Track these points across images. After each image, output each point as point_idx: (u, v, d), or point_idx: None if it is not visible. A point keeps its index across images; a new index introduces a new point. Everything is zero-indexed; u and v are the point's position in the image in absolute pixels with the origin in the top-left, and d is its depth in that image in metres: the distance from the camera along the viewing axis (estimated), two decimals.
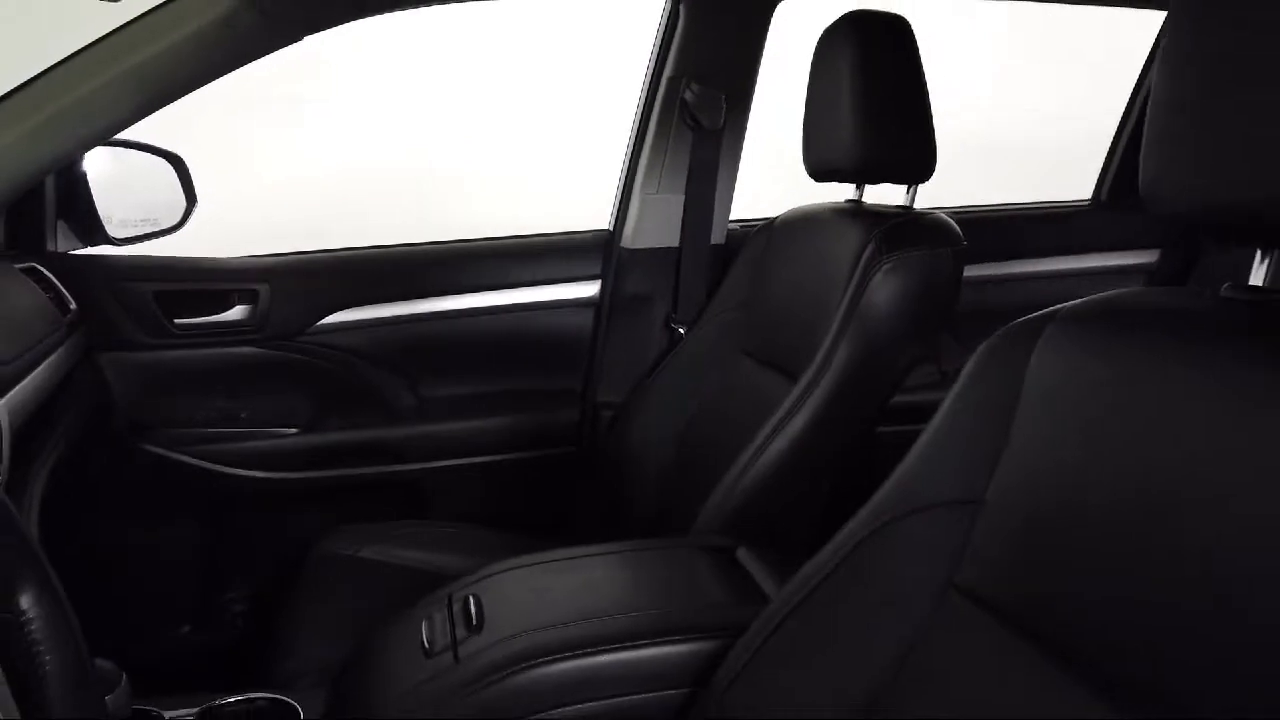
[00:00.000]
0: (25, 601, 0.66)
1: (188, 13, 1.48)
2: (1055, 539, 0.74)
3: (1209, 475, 0.64)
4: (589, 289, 1.92)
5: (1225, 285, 0.74)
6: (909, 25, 1.42)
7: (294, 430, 1.79)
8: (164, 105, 1.52)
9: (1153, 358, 0.71)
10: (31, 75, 1.49)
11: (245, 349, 1.77)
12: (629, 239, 1.89)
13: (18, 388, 1.25)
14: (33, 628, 0.66)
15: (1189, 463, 0.65)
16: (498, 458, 1.88)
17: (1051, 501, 0.75)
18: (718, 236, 1.90)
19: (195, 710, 1.08)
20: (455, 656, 1.04)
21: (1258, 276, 0.72)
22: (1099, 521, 0.71)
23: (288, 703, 1.09)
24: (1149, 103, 0.70)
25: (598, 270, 1.91)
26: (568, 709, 1.00)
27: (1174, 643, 0.63)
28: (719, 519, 1.36)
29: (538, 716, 1.00)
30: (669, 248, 1.88)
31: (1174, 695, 0.62)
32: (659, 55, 1.81)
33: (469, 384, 1.91)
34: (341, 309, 1.80)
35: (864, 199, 1.58)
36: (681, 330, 1.86)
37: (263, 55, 1.56)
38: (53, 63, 1.50)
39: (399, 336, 1.84)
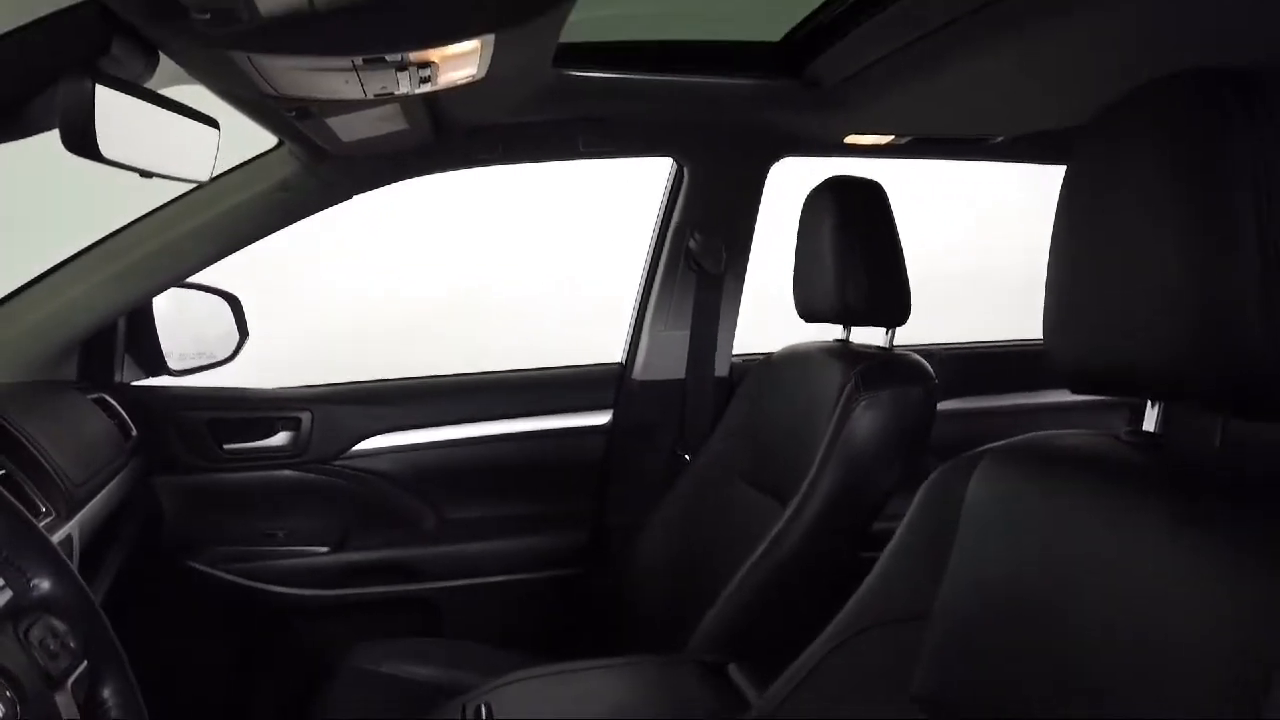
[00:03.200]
0: (108, 691, 0.79)
1: (253, 177, 1.72)
2: (992, 644, 0.86)
3: (1106, 593, 0.76)
4: (601, 418, 2.07)
5: (1126, 430, 0.88)
6: (882, 189, 1.61)
7: (325, 549, 1.93)
8: (230, 254, 1.74)
9: (1067, 492, 0.85)
10: (118, 227, 1.72)
11: (286, 472, 1.93)
12: (639, 371, 2.05)
13: (87, 508, 1.40)
14: (112, 716, 0.79)
15: (1092, 582, 0.78)
16: (511, 577, 2.00)
17: (987, 612, 0.87)
18: (721, 369, 2.06)
19: None
20: None
21: (1149, 423, 0.86)
22: (1026, 628, 0.83)
23: None
24: (1047, 262, 0.85)
25: (610, 400, 2.07)
26: None
27: None
28: (713, 635, 1.47)
29: None
30: (676, 380, 2.04)
31: None
32: (666, 208, 2.02)
33: (487, 507, 2.05)
34: (374, 435, 1.96)
35: (851, 338, 1.74)
36: (686, 457, 1.99)
37: (317, 212, 1.78)
38: (136, 217, 1.73)
39: (425, 461, 1.99)
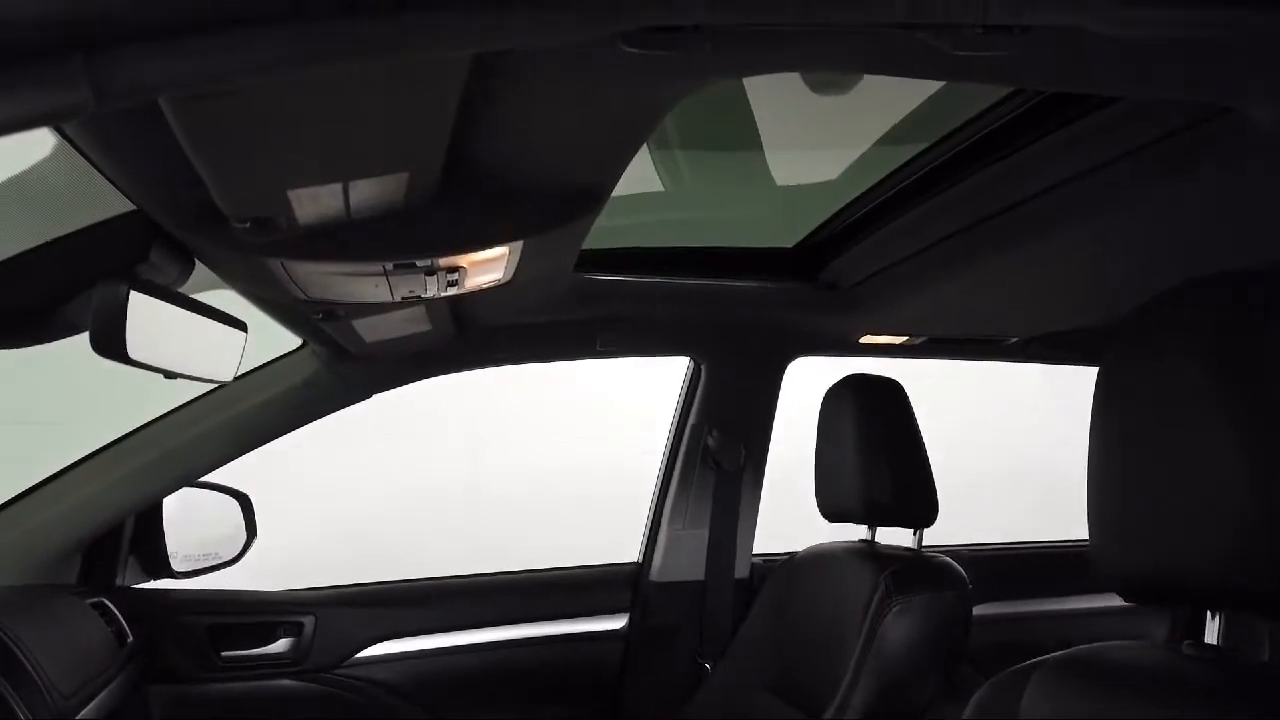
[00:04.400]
0: None
1: (275, 376, 1.74)
2: None
3: None
4: (618, 622, 1.98)
5: (1186, 643, 0.82)
6: (900, 386, 1.61)
7: None
8: (248, 452, 1.73)
9: (1124, 709, 0.78)
10: (133, 427, 1.72)
11: (284, 682, 1.82)
12: (656, 573, 1.98)
13: (81, 715, 1.32)
14: None
15: None
16: None
17: None
18: (741, 571, 1.99)
19: None
20: None
21: (1211, 635, 0.81)
22: None
23: None
24: (1087, 466, 0.83)
25: (626, 603, 1.99)
26: None
27: None
28: None
29: None
30: (695, 581, 1.97)
31: None
32: (683, 406, 2.02)
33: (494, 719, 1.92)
34: (380, 641, 1.87)
35: (876, 538, 1.69)
36: (708, 666, 1.89)
37: (337, 410, 1.78)
38: (153, 417, 1.73)
39: (431, 669, 1.89)
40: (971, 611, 1.48)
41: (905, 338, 1.95)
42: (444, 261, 1.05)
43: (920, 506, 1.56)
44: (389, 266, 1.03)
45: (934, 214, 1.33)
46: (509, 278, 1.23)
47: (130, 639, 1.67)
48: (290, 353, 1.74)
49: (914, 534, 1.60)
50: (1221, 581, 0.72)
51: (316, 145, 0.70)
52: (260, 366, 1.74)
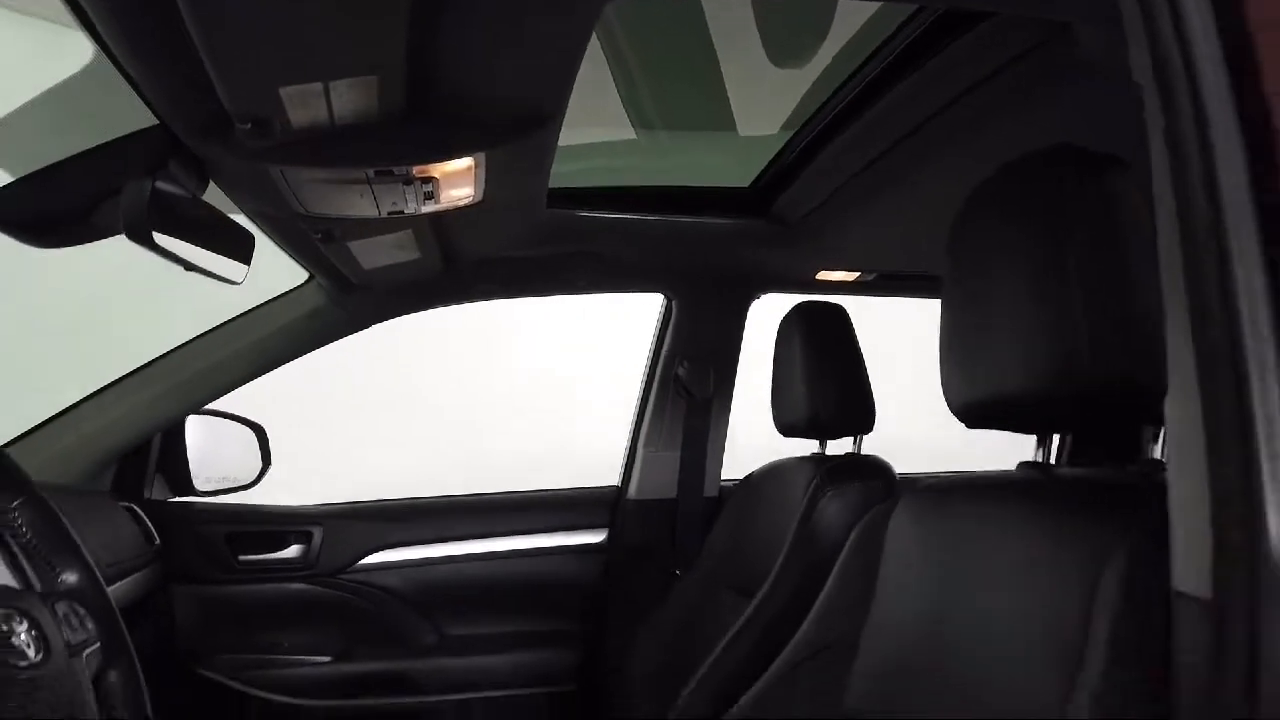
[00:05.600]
0: (114, 675, 0.90)
1: (285, 307, 1.94)
2: (902, 661, 0.95)
3: (981, 600, 0.87)
4: (598, 536, 2.17)
5: (1020, 463, 1.00)
6: (844, 311, 1.78)
7: (327, 659, 1.99)
8: (262, 375, 1.93)
9: (971, 520, 0.96)
10: (160, 353, 1.93)
11: (296, 585, 2.03)
12: (633, 491, 2.17)
13: (111, 588, 1.52)
14: (118, 696, 0.89)
15: (986, 605, 0.87)
16: (508, 693, 2.04)
17: (901, 630, 0.97)
18: (710, 490, 2.17)
19: None
20: None
21: (1037, 456, 0.98)
22: (928, 641, 0.92)
23: None
24: (939, 329, 1.00)
25: (606, 520, 2.18)
26: None
27: None
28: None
29: None
30: (669, 499, 2.15)
31: None
32: (658, 338, 2.21)
33: (486, 623, 2.12)
34: (380, 550, 2.07)
35: (826, 451, 1.86)
36: (678, 573, 2.07)
37: (341, 338, 1.99)
38: (176, 345, 1.94)
39: (427, 577, 2.09)
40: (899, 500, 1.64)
41: (857, 273, 2.13)
42: (418, 170, 1.23)
43: (859, 417, 1.73)
44: (370, 174, 1.22)
45: (859, 139, 1.50)
46: (480, 196, 1.42)
47: (157, 541, 1.88)
48: (297, 286, 1.93)
49: (854, 441, 1.77)
50: (1037, 408, 0.89)
51: (297, 41, 0.89)
52: (269, 300, 1.94)
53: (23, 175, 1.20)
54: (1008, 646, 0.81)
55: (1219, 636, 0.56)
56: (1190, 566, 0.60)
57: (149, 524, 1.89)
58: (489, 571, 2.12)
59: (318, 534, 2.05)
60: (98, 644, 0.89)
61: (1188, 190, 0.60)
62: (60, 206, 1.23)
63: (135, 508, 1.89)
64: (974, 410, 0.95)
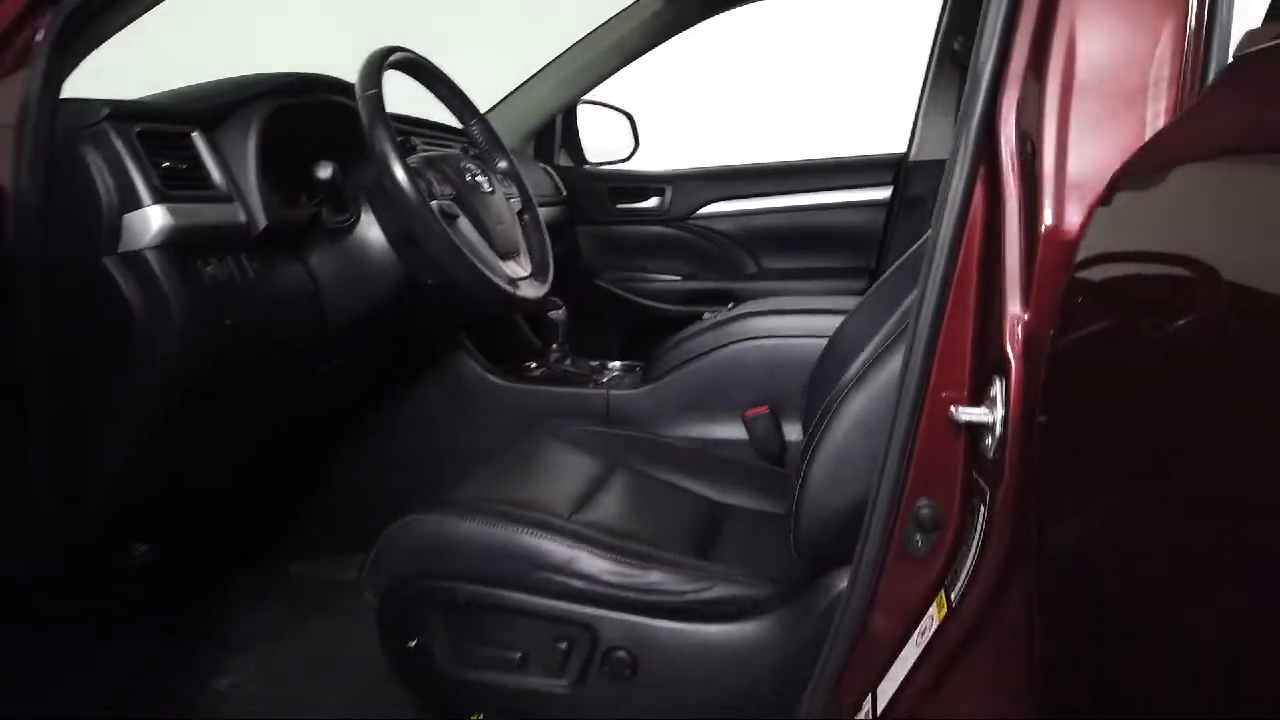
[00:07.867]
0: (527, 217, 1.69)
1: (632, 14, 2.57)
2: None
3: None
4: (883, 193, 2.65)
5: None
6: None
7: (678, 278, 2.79)
8: (624, 66, 2.62)
9: None
10: (559, 53, 2.69)
11: (655, 227, 2.81)
12: (915, 154, 2.59)
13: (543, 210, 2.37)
14: None
15: None
16: None
17: None
18: None
19: None
20: None
21: None
22: None
23: None
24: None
25: (890, 179, 2.64)
26: None
27: None
28: None
29: None
30: (942, 159, 2.54)
31: None
32: (940, 17, 2.52)
33: (792, 260, 2.75)
34: (714, 202, 2.76)
35: None
36: None
37: (678, 33, 2.58)
38: (569, 45, 2.68)
39: (751, 224, 2.75)
40: None
41: None
42: None
43: None
44: None
45: None
46: None
47: (564, 193, 2.73)
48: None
49: None
50: None
51: None
52: (616, 14, 2.58)
53: None
54: None
55: None
56: None
57: (558, 180, 2.73)
58: (794, 221, 2.72)
59: (669, 190, 2.78)
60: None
61: None
62: None
63: (548, 169, 2.74)
64: None
